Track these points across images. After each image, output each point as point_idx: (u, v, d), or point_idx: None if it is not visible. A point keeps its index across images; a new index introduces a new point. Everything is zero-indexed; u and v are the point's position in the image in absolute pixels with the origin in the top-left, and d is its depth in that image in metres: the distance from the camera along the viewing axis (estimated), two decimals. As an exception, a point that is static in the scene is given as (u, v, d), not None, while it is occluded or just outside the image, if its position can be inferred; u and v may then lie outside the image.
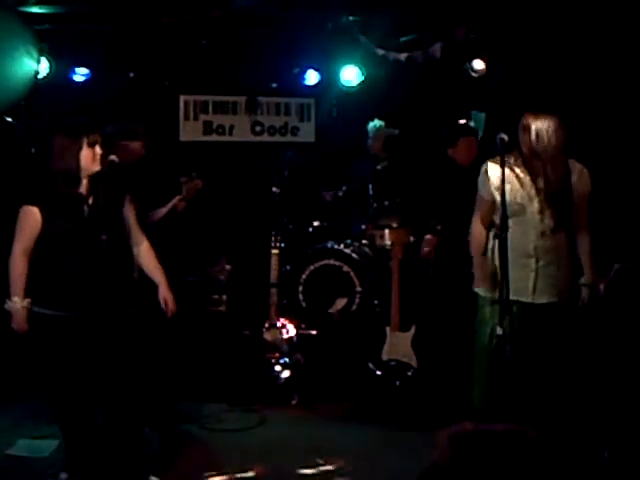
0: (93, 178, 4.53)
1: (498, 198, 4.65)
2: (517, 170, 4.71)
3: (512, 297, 4.63)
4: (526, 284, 4.65)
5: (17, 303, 4.47)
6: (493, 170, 4.71)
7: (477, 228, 4.89)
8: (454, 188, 6.14)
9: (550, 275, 4.66)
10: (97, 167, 4.51)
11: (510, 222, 4.64)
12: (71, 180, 4.48)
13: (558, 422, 4.74)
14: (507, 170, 4.68)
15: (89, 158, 4.49)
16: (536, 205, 4.63)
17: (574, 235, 4.82)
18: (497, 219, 4.72)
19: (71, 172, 4.47)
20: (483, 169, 4.82)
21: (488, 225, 4.85)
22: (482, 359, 4.81)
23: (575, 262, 4.85)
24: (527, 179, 4.69)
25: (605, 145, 6.74)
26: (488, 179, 4.75)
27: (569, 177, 4.72)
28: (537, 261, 4.66)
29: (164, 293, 4.75)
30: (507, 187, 4.65)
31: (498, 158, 4.65)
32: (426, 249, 6.51)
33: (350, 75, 7.62)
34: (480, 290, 4.86)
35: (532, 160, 4.64)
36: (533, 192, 4.64)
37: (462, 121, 6.69)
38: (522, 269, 4.65)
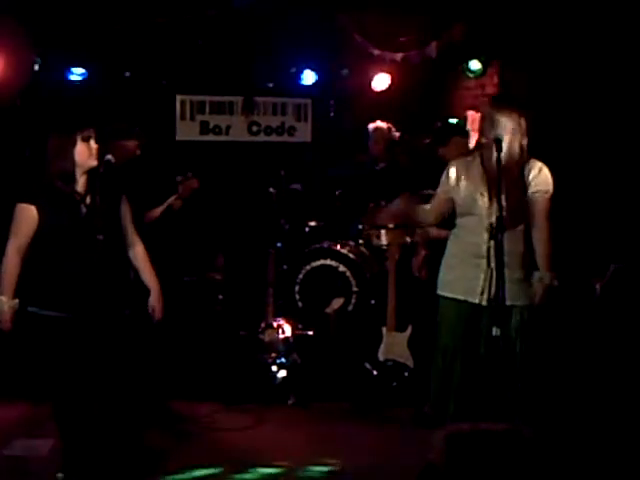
0: (90, 177, 4.53)
1: (456, 197, 4.69)
2: (474, 170, 4.68)
3: (461, 297, 4.65)
4: (475, 284, 4.52)
5: (4, 304, 4.47)
6: (453, 169, 4.73)
7: (423, 206, 4.88)
8: None
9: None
10: (94, 162, 4.49)
11: (463, 220, 4.68)
12: (67, 178, 4.47)
13: (518, 421, 4.67)
14: (463, 169, 4.70)
15: (84, 153, 4.48)
16: (486, 200, 4.53)
17: (532, 234, 4.68)
18: (455, 221, 4.75)
19: (67, 170, 4.47)
20: (446, 169, 4.80)
21: (435, 214, 4.84)
22: (438, 357, 4.78)
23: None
24: (481, 174, 4.64)
25: (603, 146, 6.75)
26: (447, 177, 4.75)
27: (524, 174, 4.62)
28: (488, 263, 4.49)
29: (154, 300, 4.74)
30: (462, 185, 4.68)
31: (461, 158, 4.77)
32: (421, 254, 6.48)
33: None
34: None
35: (487, 154, 4.59)
36: (483, 188, 4.56)
37: (454, 120, 6.65)
38: (473, 269, 4.56)
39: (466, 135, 6.44)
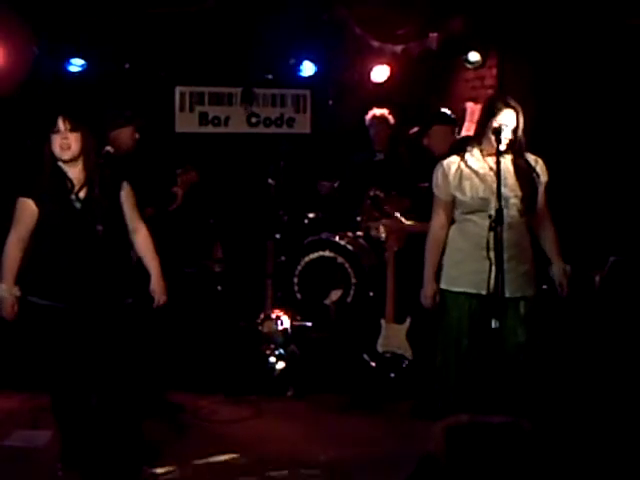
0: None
1: (459, 196, 4.65)
2: (475, 165, 4.65)
3: (470, 290, 4.62)
4: (485, 277, 4.43)
5: (5, 291, 4.49)
6: (450, 169, 4.69)
7: (437, 232, 4.78)
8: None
9: (511, 269, 4.43)
10: (63, 155, 4.49)
11: (471, 216, 4.64)
12: (54, 171, 4.51)
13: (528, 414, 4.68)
14: (463, 167, 4.67)
15: (55, 146, 4.49)
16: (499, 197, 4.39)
17: (536, 227, 4.72)
18: (457, 215, 4.72)
19: (48, 163, 4.52)
20: (438, 170, 4.75)
21: (448, 227, 4.76)
22: (448, 351, 4.77)
23: (537, 257, 4.74)
24: (487, 172, 4.60)
25: (603, 138, 6.74)
26: (445, 179, 4.70)
27: (531, 169, 4.65)
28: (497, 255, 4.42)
29: (155, 284, 4.75)
30: (466, 184, 4.63)
31: (453, 157, 4.72)
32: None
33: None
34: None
35: (493, 150, 4.56)
36: (495, 185, 4.45)
37: (436, 109, 6.55)
38: (481, 262, 4.48)
39: (448, 123, 6.36)
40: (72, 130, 4.48)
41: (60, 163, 4.53)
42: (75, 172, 4.54)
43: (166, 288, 4.79)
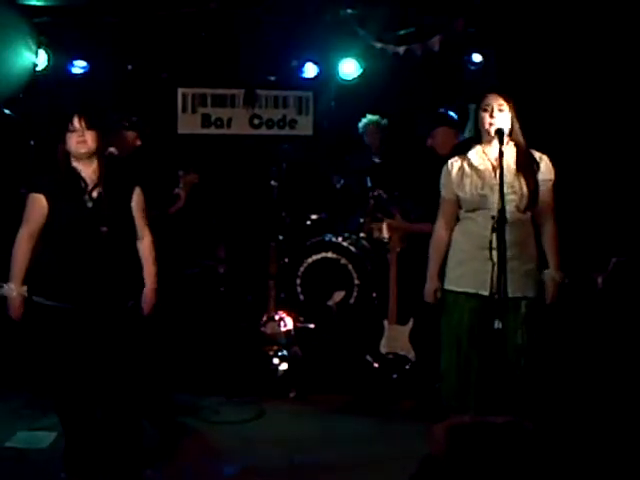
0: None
1: (461, 194, 4.67)
2: (476, 163, 4.66)
3: (471, 290, 4.63)
4: (487, 278, 4.44)
5: (12, 290, 4.49)
6: (452, 168, 4.72)
7: (440, 231, 4.81)
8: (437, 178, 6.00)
9: (513, 269, 4.39)
10: (79, 149, 4.51)
11: (472, 215, 4.66)
12: (67, 169, 4.53)
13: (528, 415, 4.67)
14: (465, 165, 4.68)
15: (70, 141, 4.52)
16: (497, 195, 4.40)
17: (539, 226, 4.71)
18: (461, 213, 4.73)
19: (61, 160, 4.54)
20: (444, 169, 4.79)
21: (452, 225, 4.78)
22: (450, 352, 4.77)
23: (543, 257, 4.73)
24: (487, 168, 4.62)
25: (604, 138, 6.74)
26: (448, 178, 4.74)
27: (531, 165, 4.64)
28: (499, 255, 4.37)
29: (146, 295, 4.72)
30: (467, 181, 4.65)
31: (457, 157, 4.74)
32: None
33: (348, 68, 7.62)
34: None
35: (492, 146, 4.59)
36: (494, 182, 4.49)
37: (441, 110, 6.58)
38: (484, 262, 4.48)
39: (451, 125, 6.37)
40: (88, 128, 4.51)
41: (74, 163, 4.54)
42: (89, 172, 4.55)
43: (155, 303, 4.75)
